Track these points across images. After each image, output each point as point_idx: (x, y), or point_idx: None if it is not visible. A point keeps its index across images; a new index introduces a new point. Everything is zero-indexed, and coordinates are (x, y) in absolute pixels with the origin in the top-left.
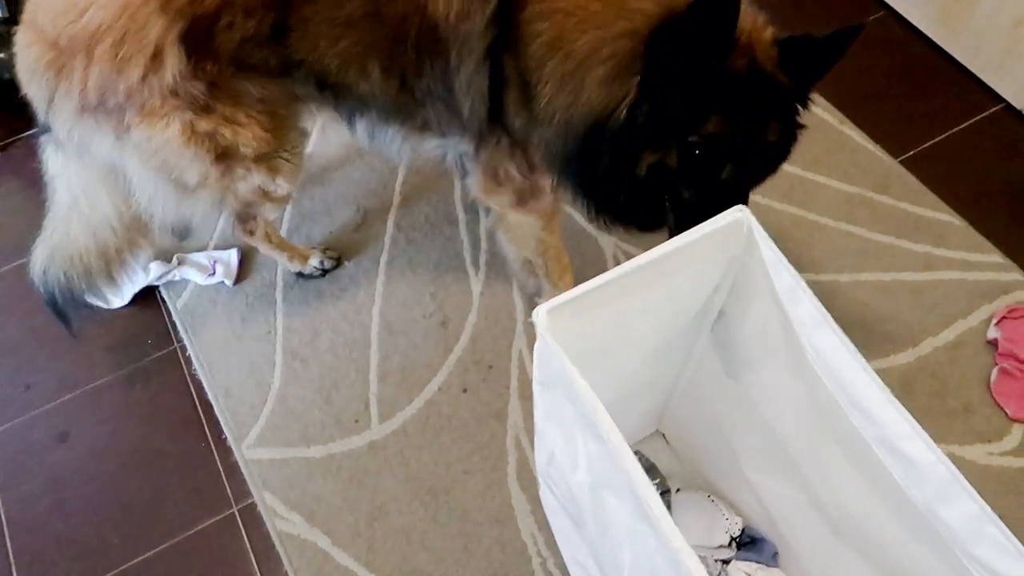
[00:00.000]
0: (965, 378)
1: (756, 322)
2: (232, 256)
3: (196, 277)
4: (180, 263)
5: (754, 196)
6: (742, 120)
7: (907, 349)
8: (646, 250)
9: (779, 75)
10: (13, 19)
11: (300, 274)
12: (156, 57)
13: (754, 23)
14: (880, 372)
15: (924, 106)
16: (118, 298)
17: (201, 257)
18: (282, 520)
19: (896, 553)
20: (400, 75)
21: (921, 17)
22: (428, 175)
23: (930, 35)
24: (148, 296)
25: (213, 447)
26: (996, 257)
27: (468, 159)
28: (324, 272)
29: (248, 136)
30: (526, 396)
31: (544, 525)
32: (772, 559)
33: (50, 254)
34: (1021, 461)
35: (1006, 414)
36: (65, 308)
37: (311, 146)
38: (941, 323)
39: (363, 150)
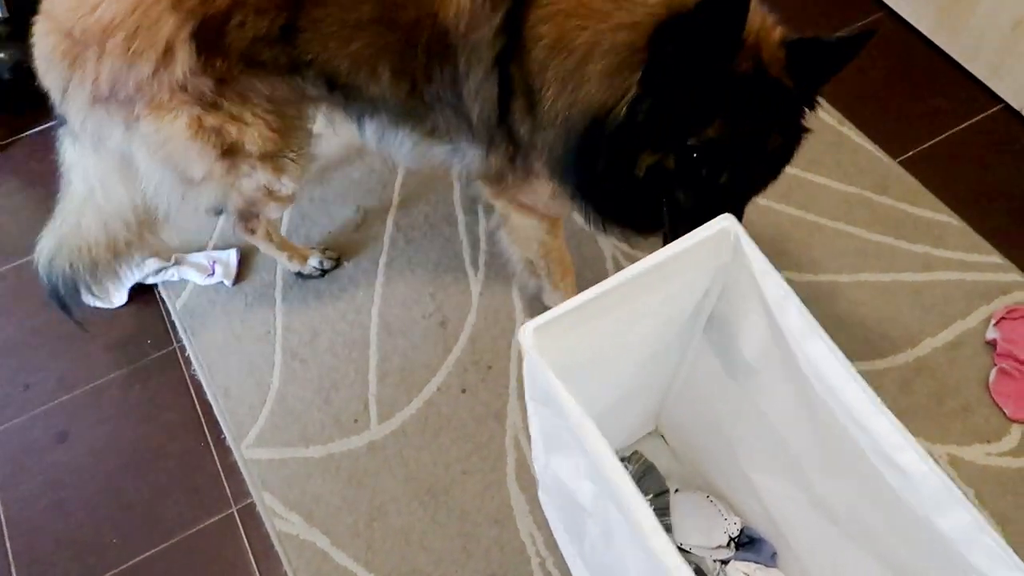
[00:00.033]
0: (964, 378)
1: (749, 327)
2: (231, 256)
3: (195, 277)
4: (178, 263)
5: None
6: (743, 125)
7: (906, 350)
8: (645, 251)
9: (784, 79)
10: (13, 19)
11: (299, 274)
12: (167, 53)
13: (763, 23)
14: (879, 372)
15: (923, 107)
16: (116, 296)
17: (200, 257)
18: (281, 520)
19: (896, 552)
20: (410, 79)
21: (920, 18)
22: (427, 176)
23: (929, 36)
24: (147, 296)
25: (212, 447)
26: (995, 258)
27: (475, 164)
28: (323, 272)
29: (254, 134)
30: (525, 396)
31: (543, 525)
32: (771, 559)
33: (58, 244)
34: (1020, 461)
35: (1005, 414)
36: (67, 300)
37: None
38: (940, 323)
39: (362, 150)
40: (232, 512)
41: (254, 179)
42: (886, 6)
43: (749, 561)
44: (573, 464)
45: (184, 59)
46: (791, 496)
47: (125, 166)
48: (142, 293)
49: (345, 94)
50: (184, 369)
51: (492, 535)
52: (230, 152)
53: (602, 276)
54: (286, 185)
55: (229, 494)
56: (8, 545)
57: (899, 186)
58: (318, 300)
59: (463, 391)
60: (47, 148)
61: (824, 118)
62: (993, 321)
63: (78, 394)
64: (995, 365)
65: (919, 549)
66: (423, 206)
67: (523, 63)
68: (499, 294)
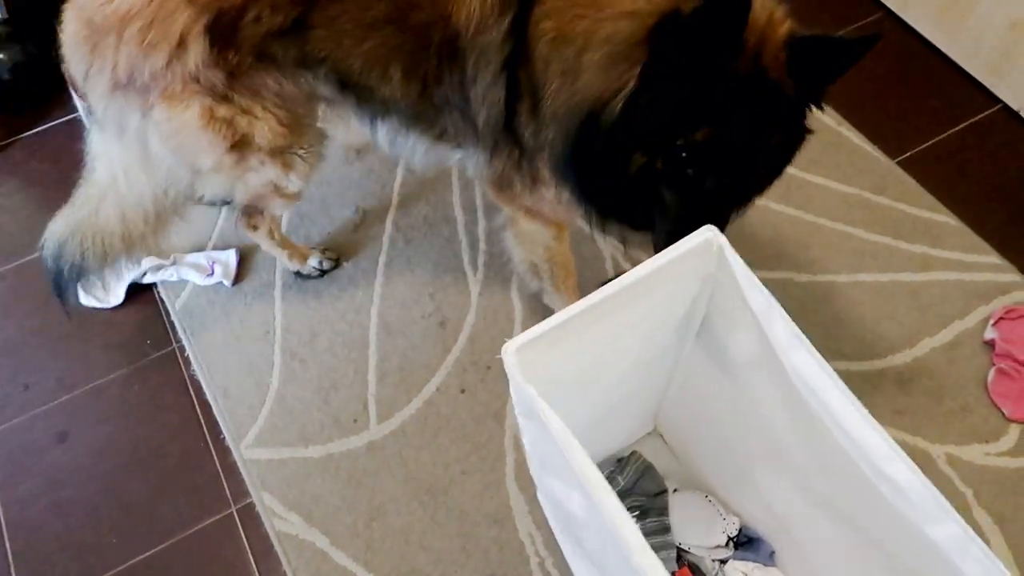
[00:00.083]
0: (962, 378)
1: (739, 333)
2: (231, 257)
3: (194, 277)
4: (177, 263)
5: None
6: (734, 130)
7: (904, 350)
8: (644, 254)
9: (784, 81)
10: (13, 19)
11: (299, 274)
12: (180, 45)
13: (770, 17)
14: (877, 372)
15: (921, 107)
16: (113, 296)
17: (200, 257)
18: (280, 520)
19: (895, 553)
20: (421, 81)
21: (919, 18)
22: (426, 176)
23: (928, 36)
24: (147, 296)
25: (212, 447)
26: (993, 258)
27: (482, 169)
28: (323, 273)
29: (264, 128)
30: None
31: (542, 524)
32: (769, 559)
33: (73, 229)
34: (1018, 461)
35: (1003, 414)
36: (68, 288)
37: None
38: (938, 324)
39: (362, 151)
40: (231, 512)
41: (262, 174)
42: (885, 7)
43: (747, 560)
44: (563, 477)
45: (197, 51)
46: (789, 495)
47: (147, 156)
48: (141, 293)
49: (357, 95)
50: (183, 369)
51: (491, 535)
52: (240, 145)
53: (601, 276)
54: (293, 182)
55: (228, 494)
56: (8, 545)
57: (897, 186)
58: (317, 300)
59: (462, 391)
60: (47, 148)
61: (822, 118)
62: (991, 321)
63: (78, 394)
64: (993, 365)
65: (915, 551)
66: (422, 206)
67: (530, 64)
68: (498, 294)
